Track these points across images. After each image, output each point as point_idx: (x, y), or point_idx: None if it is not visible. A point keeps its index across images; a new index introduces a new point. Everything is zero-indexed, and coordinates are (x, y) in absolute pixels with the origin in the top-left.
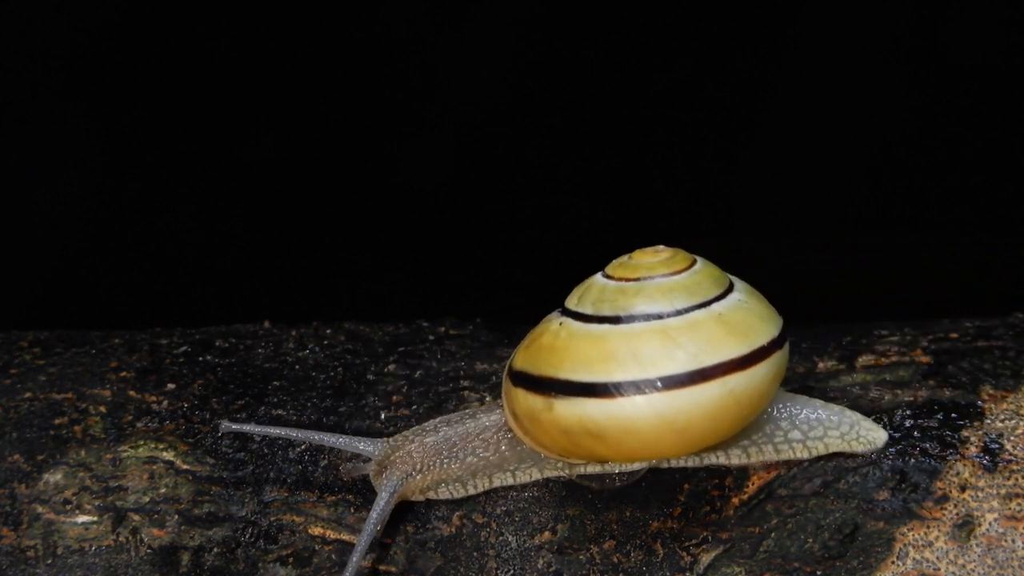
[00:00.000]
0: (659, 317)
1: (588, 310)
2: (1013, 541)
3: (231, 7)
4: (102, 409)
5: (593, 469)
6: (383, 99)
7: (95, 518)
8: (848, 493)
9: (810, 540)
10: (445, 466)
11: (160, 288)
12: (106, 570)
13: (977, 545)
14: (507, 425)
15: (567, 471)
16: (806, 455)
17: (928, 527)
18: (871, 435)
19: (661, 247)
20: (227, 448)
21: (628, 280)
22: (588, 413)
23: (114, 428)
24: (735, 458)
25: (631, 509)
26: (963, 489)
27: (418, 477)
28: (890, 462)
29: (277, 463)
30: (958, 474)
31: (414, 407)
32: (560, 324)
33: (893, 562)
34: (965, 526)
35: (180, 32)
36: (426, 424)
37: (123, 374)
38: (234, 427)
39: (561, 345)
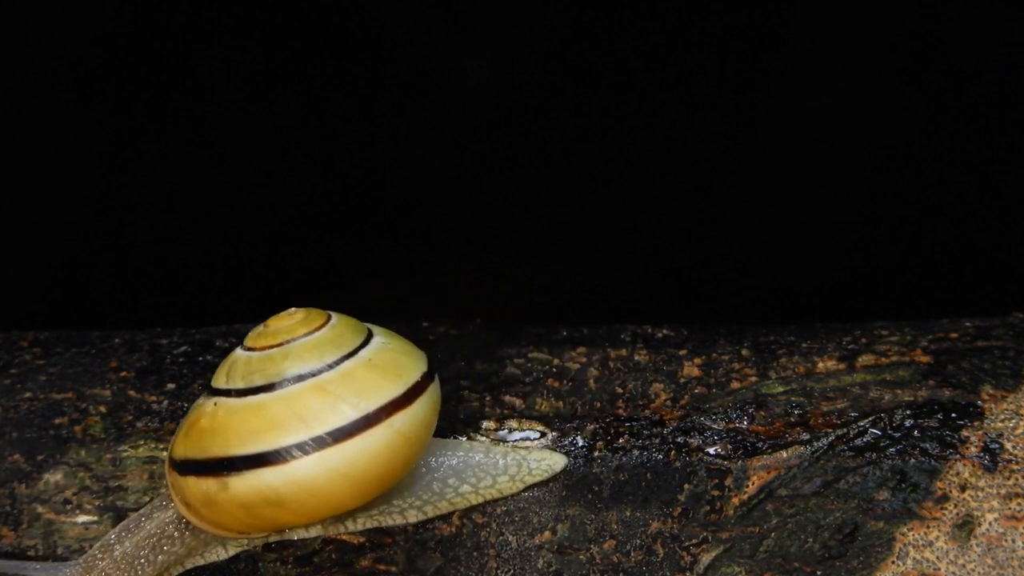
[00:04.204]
0: (313, 375)
1: (240, 384)
2: (1013, 541)
3: (231, 7)
4: (102, 409)
5: (276, 538)
6: (382, 99)
7: (95, 518)
8: (848, 493)
9: (810, 540)
10: (140, 572)
11: (160, 288)
12: None
13: (977, 545)
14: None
15: (249, 544)
16: (482, 502)
17: (928, 527)
18: (544, 464)
19: (293, 309)
20: None
21: (272, 347)
22: (265, 483)
23: (114, 428)
24: (412, 517)
25: (631, 509)
26: (963, 489)
27: None
28: (890, 462)
29: None
30: (958, 474)
31: None
32: (215, 404)
33: (893, 562)
34: (965, 526)
35: (180, 32)
36: (108, 536)
37: (123, 374)
38: None
39: (221, 424)
